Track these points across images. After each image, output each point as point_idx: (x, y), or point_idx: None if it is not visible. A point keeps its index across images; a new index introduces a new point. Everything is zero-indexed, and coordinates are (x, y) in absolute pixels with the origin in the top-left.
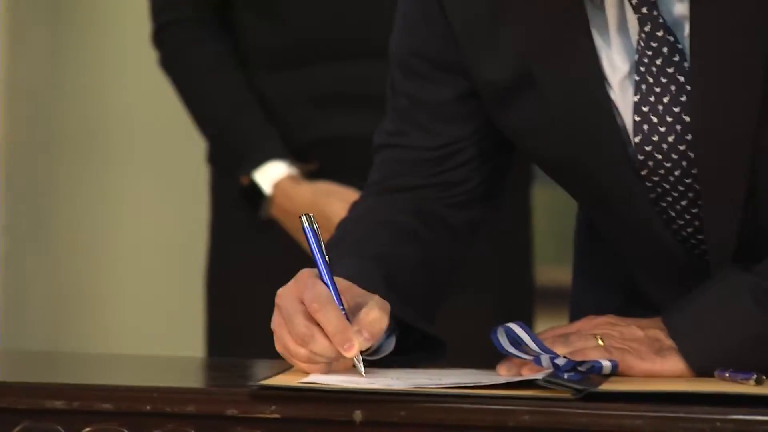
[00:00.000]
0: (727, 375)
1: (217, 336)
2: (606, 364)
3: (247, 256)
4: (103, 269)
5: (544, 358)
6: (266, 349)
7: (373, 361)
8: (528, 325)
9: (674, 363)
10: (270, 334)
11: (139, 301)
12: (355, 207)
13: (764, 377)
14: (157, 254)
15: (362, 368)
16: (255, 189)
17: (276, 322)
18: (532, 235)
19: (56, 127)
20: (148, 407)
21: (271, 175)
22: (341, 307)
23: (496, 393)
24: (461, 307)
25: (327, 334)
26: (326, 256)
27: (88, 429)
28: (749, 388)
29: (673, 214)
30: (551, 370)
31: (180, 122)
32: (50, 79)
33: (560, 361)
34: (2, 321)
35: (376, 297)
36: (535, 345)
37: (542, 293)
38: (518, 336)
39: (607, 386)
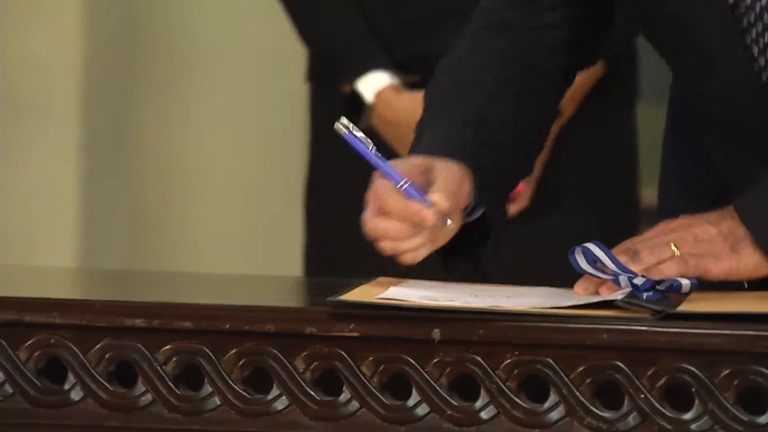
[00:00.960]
0: None
1: (315, 254)
2: (685, 282)
3: (347, 176)
4: (182, 189)
5: (623, 279)
6: (363, 268)
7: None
8: None
9: (750, 256)
10: (364, 251)
11: (217, 221)
12: (459, 43)
13: None
14: (235, 174)
15: (449, 221)
16: (356, 99)
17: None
18: (636, 156)
19: (136, 49)
20: (227, 326)
21: (373, 84)
22: (407, 185)
23: (574, 312)
24: (562, 227)
25: (400, 219)
26: (373, 148)
27: (167, 347)
28: None
29: None
30: (630, 289)
31: (258, 43)
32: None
33: (639, 281)
34: (83, 240)
35: (438, 164)
36: (613, 265)
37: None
38: (596, 256)
39: (686, 306)
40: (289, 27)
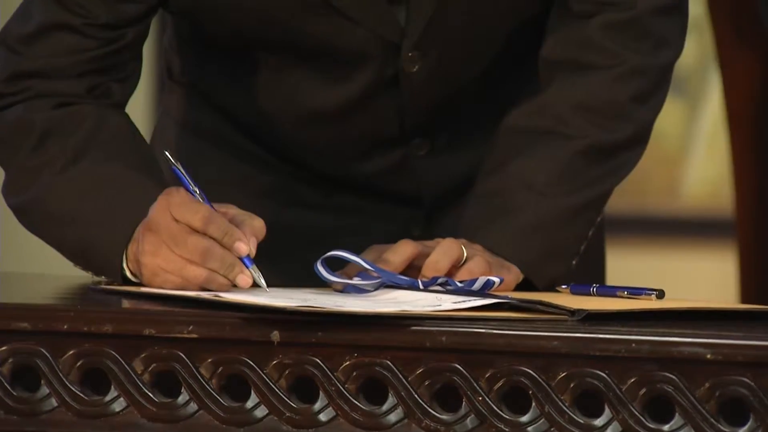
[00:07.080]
0: (626, 293)
1: None
2: (495, 279)
3: None
4: None
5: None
6: None
7: None
8: None
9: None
10: None
11: None
12: None
13: (664, 291)
14: None
15: (263, 282)
16: None
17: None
18: None
19: None
20: (65, 326)
21: None
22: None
23: (412, 313)
24: None
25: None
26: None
27: (4, 348)
28: (654, 303)
29: None
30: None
31: None
32: None
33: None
34: None
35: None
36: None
37: None
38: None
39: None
40: None
